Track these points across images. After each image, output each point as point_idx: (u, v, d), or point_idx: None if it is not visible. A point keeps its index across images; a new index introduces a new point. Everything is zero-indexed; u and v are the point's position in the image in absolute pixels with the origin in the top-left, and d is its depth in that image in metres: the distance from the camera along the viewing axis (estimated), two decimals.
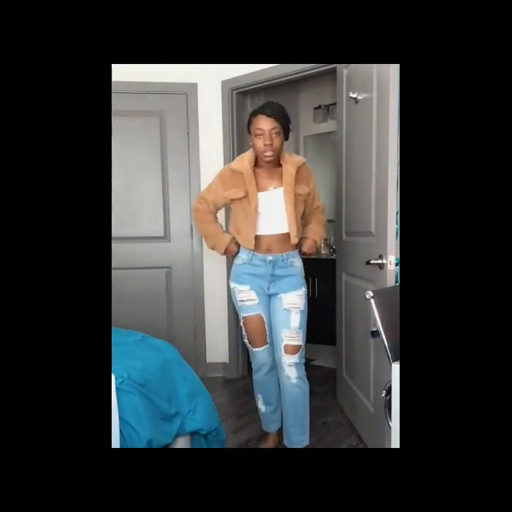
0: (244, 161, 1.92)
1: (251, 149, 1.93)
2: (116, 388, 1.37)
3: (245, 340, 2.03)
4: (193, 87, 2.99)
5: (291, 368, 1.92)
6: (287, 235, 1.91)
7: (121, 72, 2.70)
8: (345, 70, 2.31)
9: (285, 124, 1.87)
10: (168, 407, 1.55)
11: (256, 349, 2.00)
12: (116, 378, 1.38)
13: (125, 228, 2.98)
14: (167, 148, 3.01)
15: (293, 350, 1.92)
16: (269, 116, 1.80)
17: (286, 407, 1.97)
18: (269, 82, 2.81)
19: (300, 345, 1.93)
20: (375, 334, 1.33)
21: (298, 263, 1.98)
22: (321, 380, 3.11)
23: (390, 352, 1.27)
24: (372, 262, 1.86)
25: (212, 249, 2.05)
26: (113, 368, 1.33)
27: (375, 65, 1.87)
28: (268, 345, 1.99)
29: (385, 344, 1.28)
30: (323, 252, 4.23)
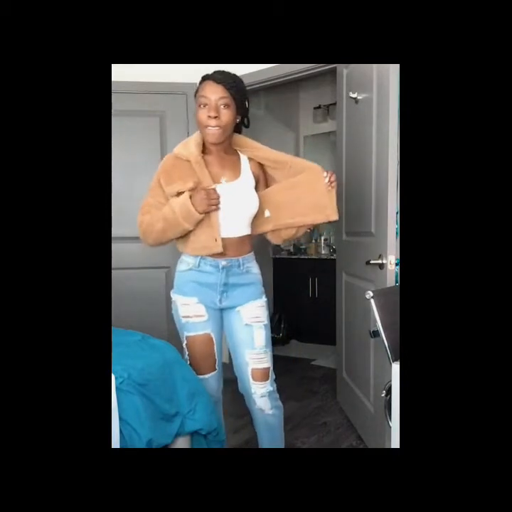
0: (189, 145, 1.55)
1: (199, 131, 1.59)
2: (116, 388, 1.36)
3: (189, 363, 1.65)
4: (193, 87, 2.95)
5: (263, 399, 1.60)
6: (246, 237, 1.60)
7: (121, 72, 2.69)
8: (345, 70, 2.31)
9: (239, 99, 1.52)
10: (168, 407, 1.54)
11: (202, 376, 1.62)
12: (116, 378, 1.38)
13: (125, 228, 2.96)
14: (167, 149, 3.00)
15: (262, 375, 1.59)
16: (218, 83, 1.48)
17: (261, 435, 1.68)
18: (269, 82, 2.82)
19: (269, 368, 1.60)
20: (375, 334, 1.33)
21: (255, 269, 1.64)
22: (321, 380, 3.11)
23: (390, 352, 1.27)
24: (372, 262, 1.86)
25: (187, 222, 1.49)
26: (113, 368, 1.33)
27: (375, 65, 1.88)
28: (216, 371, 1.65)
29: (385, 344, 1.28)
30: (323, 252, 4.23)
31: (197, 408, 1.63)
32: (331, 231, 4.14)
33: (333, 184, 1.56)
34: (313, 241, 4.32)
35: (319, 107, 4.20)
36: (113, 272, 2.64)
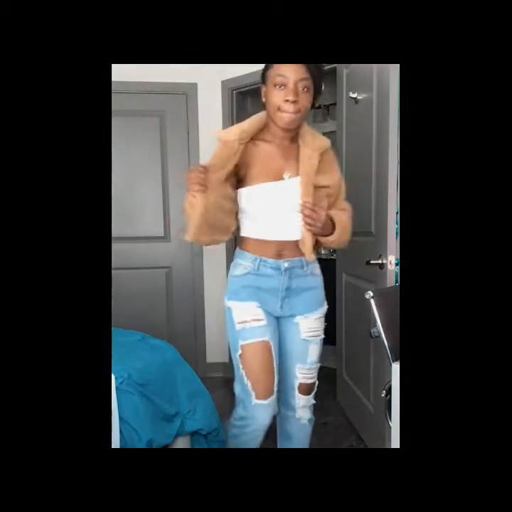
0: (232, 129, 1.36)
1: (256, 116, 1.37)
2: (116, 388, 1.37)
3: (246, 382, 1.36)
4: (193, 87, 2.99)
5: (304, 410, 1.52)
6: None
7: (121, 72, 2.70)
8: (345, 70, 2.31)
9: (319, 82, 1.34)
10: (168, 407, 1.55)
11: (261, 402, 1.34)
12: (116, 378, 1.38)
13: (125, 228, 2.98)
14: (167, 148, 3.01)
15: (308, 389, 1.51)
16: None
17: (289, 444, 1.59)
18: None
19: (315, 382, 1.54)
20: (375, 334, 1.33)
21: (318, 270, 1.50)
22: (321, 380, 3.10)
23: (390, 352, 1.27)
24: (372, 262, 1.86)
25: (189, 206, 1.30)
26: (113, 368, 1.33)
27: (375, 65, 1.88)
28: (274, 395, 1.39)
29: (385, 344, 1.28)
30: (323, 252, 4.24)
31: (197, 408, 1.63)
32: None
33: (307, 220, 1.30)
34: None
35: (319, 107, 4.19)
36: (113, 272, 2.66)
